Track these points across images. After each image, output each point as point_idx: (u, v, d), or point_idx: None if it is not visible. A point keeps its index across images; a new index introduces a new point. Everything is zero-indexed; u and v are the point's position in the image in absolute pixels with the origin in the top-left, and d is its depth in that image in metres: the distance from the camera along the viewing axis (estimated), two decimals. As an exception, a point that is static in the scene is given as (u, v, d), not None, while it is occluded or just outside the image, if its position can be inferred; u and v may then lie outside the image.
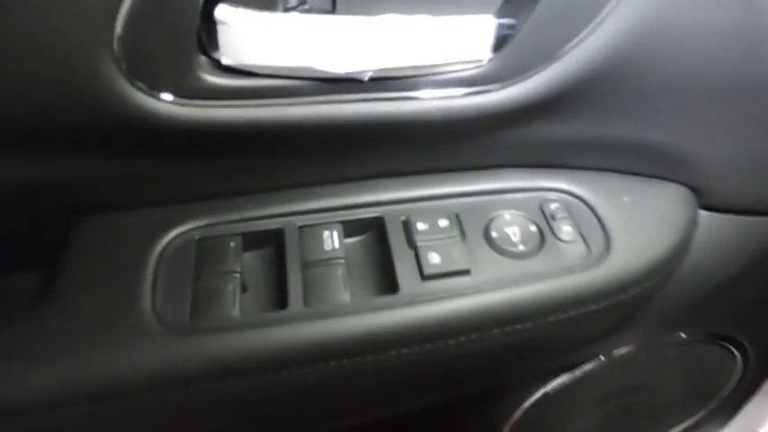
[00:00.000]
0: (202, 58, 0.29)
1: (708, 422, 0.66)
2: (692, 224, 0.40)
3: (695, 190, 0.40)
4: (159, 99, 0.28)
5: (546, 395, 0.53)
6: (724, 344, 0.55)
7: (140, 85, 0.28)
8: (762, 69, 0.33)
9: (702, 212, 0.41)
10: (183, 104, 0.29)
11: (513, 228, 0.36)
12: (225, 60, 0.29)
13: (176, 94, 0.29)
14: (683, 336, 0.52)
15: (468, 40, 0.31)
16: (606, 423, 0.61)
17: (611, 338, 0.47)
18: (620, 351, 0.50)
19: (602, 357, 0.50)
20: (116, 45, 0.26)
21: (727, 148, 0.37)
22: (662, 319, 0.47)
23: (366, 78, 0.31)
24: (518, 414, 0.54)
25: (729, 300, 0.48)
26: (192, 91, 0.29)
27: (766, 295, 0.48)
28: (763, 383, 0.61)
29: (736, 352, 0.56)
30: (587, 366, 0.50)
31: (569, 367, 0.50)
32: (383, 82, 0.31)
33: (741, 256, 0.44)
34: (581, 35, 0.31)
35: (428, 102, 0.32)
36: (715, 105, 0.35)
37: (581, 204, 0.38)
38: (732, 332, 0.54)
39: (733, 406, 0.65)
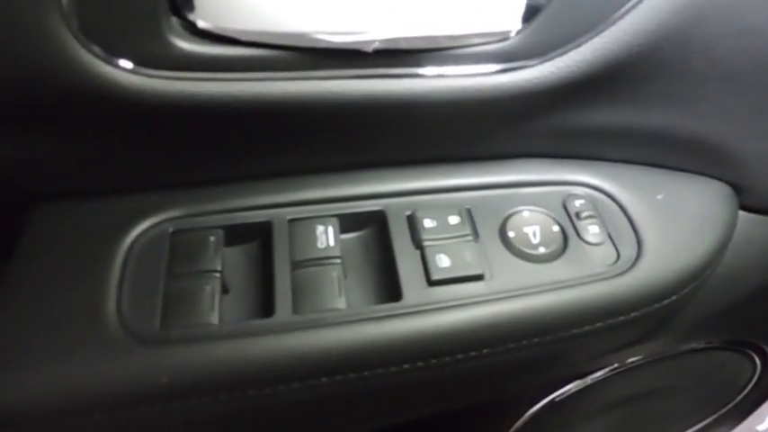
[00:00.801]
0: (174, 20, 0.27)
1: (717, 426, 0.66)
2: (733, 226, 0.38)
3: (737, 188, 0.38)
4: (118, 67, 0.26)
5: (553, 402, 0.52)
6: (745, 350, 0.54)
7: (96, 49, 0.25)
8: None
9: (741, 213, 0.39)
10: (148, 75, 0.26)
11: (532, 227, 0.34)
12: (201, 24, 0.27)
13: (141, 61, 0.26)
14: (704, 343, 0.50)
15: (492, 8, 0.28)
16: (614, 428, 0.61)
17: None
18: (635, 359, 0.49)
19: (615, 365, 0.49)
20: None
21: None
22: (686, 327, 0.46)
23: (370, 50, 0.28)
24: (523, 420, 0.54)
25: (758, 306, 0.46)
26: (159, 59, 0.26)
27: None
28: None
29: (756, 358, 0.56)
30: (599, 374, 0.49)
31: (580, 375, 0.49)
32: (390, 55, 0.29)
33: None
34: (630, 2, 0.28)
35: (442, 80, 0.30)
36: None
37: (609, 202, 0.36)
38: (755, 339, 0.53)
39: (744, 411, 0.66)
